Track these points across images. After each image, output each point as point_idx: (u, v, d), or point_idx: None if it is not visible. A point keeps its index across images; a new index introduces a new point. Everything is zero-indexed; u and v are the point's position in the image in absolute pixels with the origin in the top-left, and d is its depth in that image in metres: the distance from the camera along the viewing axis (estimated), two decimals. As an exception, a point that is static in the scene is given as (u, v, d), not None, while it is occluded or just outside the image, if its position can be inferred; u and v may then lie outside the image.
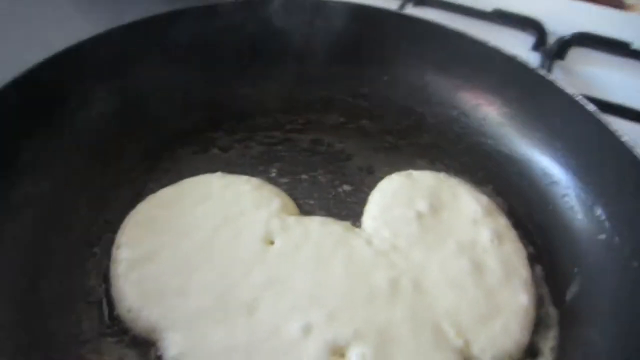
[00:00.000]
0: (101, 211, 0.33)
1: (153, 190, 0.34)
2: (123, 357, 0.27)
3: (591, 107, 0.31)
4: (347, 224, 0.32)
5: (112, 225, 0.33)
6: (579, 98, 0.32)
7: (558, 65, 0.52)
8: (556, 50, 0.53)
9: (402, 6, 0.56)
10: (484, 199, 0.34)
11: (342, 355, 0.26)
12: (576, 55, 0.54)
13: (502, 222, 0.32)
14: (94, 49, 0.36)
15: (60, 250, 0.31)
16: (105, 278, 0.30)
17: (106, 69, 0.37)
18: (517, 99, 0.37)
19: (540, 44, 0.55)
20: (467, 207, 0.33)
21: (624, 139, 0.29)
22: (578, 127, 0.33)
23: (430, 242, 0.31)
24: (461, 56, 0.39)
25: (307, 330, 0.26)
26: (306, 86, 0.41)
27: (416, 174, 0.35)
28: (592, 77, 0.52)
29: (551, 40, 0.55)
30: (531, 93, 0.36)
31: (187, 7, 0.39)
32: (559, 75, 0.50)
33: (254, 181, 0.34)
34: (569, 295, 0.29)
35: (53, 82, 0.34)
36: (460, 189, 0.34)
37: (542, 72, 0.35)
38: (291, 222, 0.31)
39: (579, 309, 0.29)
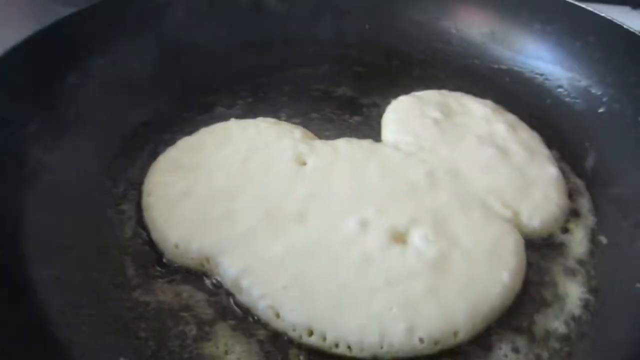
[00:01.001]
0: (120, 172, 0.33)
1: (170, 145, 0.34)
2: (180, 293, 0.27)
3: (566, -1, 0.35)
4: (370, 140, 0.33)
5: (134, 184, 0.32)
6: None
7: None
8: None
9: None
10: (489, 102, 0.36)
11: (404, 240, 0.26)
12: None
13: (511, 117, 0.34)
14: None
15: (87, 210, 0.30)
16: (141, 226, 0.30)
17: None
18: (494, 14, 0.39)
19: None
20: (476, 110, 0.35)
21: (603, 14, 0.32)
22: (556, 21, 0.36)
23: (452, 140, 0.32)
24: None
25: (363, 224, 0.27)
26: (298, 45, 0.43)
27: (420, 94, 0.37)
28: None
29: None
30: (506, 4, 0.38)
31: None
32: None
33: (270, 120, 0.35)
34: (588, 166, 0.32)
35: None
36: (464, 98, 0.36)
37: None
38: (318, 144, 0.32)
39: (601, 175, 0.31)
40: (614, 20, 0.32)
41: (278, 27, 0.43)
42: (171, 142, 0.35)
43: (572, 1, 0.34)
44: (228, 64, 0.41)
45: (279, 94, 0.40)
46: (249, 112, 0.38)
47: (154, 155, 0.34)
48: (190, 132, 0.35)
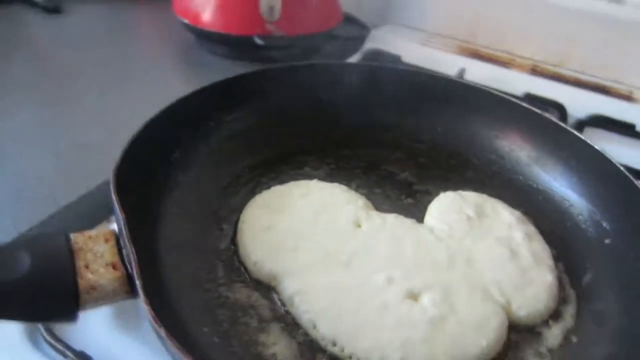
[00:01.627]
0: (226, 200, 0.45)
1: (266, 188, 0.46)
2: (251, 295, 0.38)
3: (598, 147, 0.43)
4: (414, 220, 0.43)
5: (235, 211, 0.44)
6: (589, 141, 0.44)
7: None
8: (575, 128, 0.66)
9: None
10: (517, 212, 0.44)
11: (416, 299, 0.35)
12: (591, 133, 0.67)
13: (532, 228, 0.43)
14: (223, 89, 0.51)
15: (199, 222, 0.42)
16: (234, 243, 0.41)
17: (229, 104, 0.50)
18: (542, 144, 0.48)
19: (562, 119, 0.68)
20: (504, 216, 0.43)
21: (622, 169, 0.41)
22: (589, 164, 0.44)
23: (477, 235, 0.41)
24: (499, 113, 0.52)
25: (389, 281, 0.36)
26: (382, 131, 0.54)
27: (464, 193, 0.46)
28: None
29: (571, 120, 0.68)
30: (555, 140, 0.47)
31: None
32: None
33: (343, 187, 0.46)
34: (584, 282, 0.39)
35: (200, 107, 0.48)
36: (498, 205, 0.45)
37: (561, 123, 0.47)
38: (373, 214, 0.43)
39: (592, 292, 0.38)
40: (632, 179, 0.40)
41: (369, 114, 0.55)
42: (267, 185, 0.47)
43: (603, 153, 0.43)
44: (324, 134, 0.54)
45: (355, 167, 0.51)
46: (330, 176, 0.49)
47: (252, 192, 0.46)
48: (282, 181, 0.48)
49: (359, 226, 0.41)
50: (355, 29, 0.94)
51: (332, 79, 0.55)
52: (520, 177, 0.49)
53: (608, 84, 0.78)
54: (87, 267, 0.30)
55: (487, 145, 0.52)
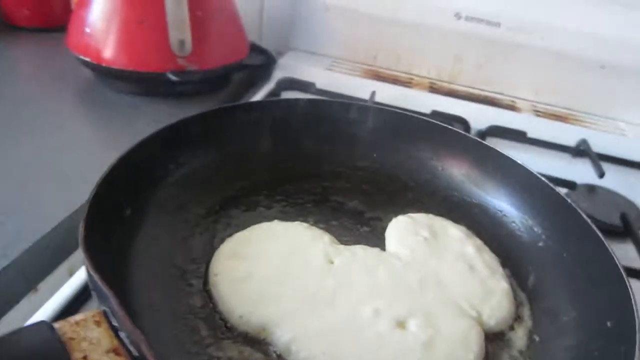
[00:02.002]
0: (187, 252, 0.44)
1: (225, 236, 0.45)
2: (242, 351, 0.37)
3: (519, 161, 0.50)
4: (378, 249, 0.46)
5: (198, 263, 0.43)
6: (511, 156, 0.50)
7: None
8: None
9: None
10: (462, 227, 0.49)
11: (404, 326, 0.38)
12: (491, 142, 0.75)
13: (478, 241, 0.48)
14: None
15: (165, 280, 0.41)
16: (210, 298, 0.40)
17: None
18: (469, 162, 0.54)
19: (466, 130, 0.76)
20: (453, 233, 0.48)
21: (541, 177, 0.47)
22: (514, 176, 0.50)
23: (437, 255, 0.45)
24: (429, 136, 0.57)
25: (376, 312, 0.38)
26: (321, 163, 0.56)
27: (413, 215, 0.50)
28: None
29: (473, 132, 0.76)
30: (481, 158, 0.53)
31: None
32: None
33: (304, 224, 0.47)
34: (529, 284, 0.45)
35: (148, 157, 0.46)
36: (445, 222, 0.50)
37: (483, 141, 0.53)
38: (341, 248, 0.44)
39: (538, 291, 0.44)
40: (551, 185, 0.46)
41: (306, 147, 0.57)
42: (225, 232, 0.47)
43: (523, 165, 0.49)
44: (267, 171, 0.54)
45: (306, 201, 0.52)
46: (285, 214, 0.50)
47: (211, 241, 0.45)
48: (239, 226, 0.47)
49: (332, 262, 0.43)
50: (261, 57, 0.95)
51: (266, 116, 0.56)
52: (456, 194, 0.54)
53: (494, 96, 0.89)
54: (85, 359, 0.28)
55: (421, 166, 0.57)
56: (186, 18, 0.72)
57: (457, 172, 0.55)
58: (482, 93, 0.89)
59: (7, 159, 0.58)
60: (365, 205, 0.53)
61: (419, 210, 0.53)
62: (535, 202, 0.48)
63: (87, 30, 0.72)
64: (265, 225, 0.46)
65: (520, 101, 0.88)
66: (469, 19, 0.83)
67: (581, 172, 0.69)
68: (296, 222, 0.47)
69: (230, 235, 0.46)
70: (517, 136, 0.76)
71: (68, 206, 0.51)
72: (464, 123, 0.77)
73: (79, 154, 0.61)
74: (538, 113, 0.84)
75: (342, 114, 0.57)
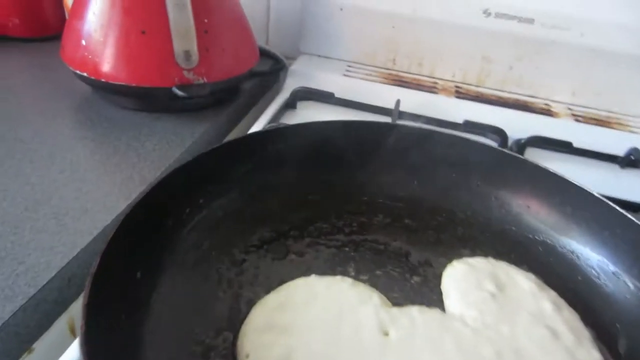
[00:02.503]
0: (208, 321, 0.35)
1: (253, 295, 0.37)
2: None
3: (595, 193, 0.41)
4: (438, 310, 0.37)
5: (223, 336, 0.35)
6: (585, 187, 0.42)
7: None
8: (516, 150, 0.66)
9: (393, 122, 0.67)
10: (532, 276, 0.41)
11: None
12: (532, 154, 0.67)
13: (553, 293, 0.39)
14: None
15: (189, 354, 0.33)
16: (239, 383, 0.32)
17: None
18: (534, 192, 0.46)
19: (503, 146, 0.67)
20: (522, 284, 0.40)
21: (630, 216, 0.39)
22: (589, 210, 0.42)
23: (509, 315, 0.37)
24: (478, 160, 0.48)
25: (450, 403, 0.30)
26: (351, 194, 0.48)
27: (471, 261, 0.42)
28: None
29: (511, 142, 0.67)
30: (544, 186, 0.45)
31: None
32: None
33: (347, 280, 0.38)
34: (621, 349, 0.36)
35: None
36: (509, 269, 0.41)
37: (550, 169, 0.44)
38: (395, 313, 0.36)
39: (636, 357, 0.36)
40: (636, 221, 0.38)
41: (337, 175, 0.48)
42: (252, 292, 0.38)
43: (599, 197, 0.40)
44: (297, 209, 0.46)
45: (341, 243, 0.44)
46: (320, 261, 0.42)
47: (236, 305, 0.37)
48: (267, 282, 0.39)
49: (387, 333, 0.34)
50: (270, 63, 0.86)
51: (293, 143, 0.47)
52: (514, 228, 0.46)
53: (526, 99, 0.80)
54: None
55: (471, 195, 0.48)
56: (191, 26, 0.63)
57: (514, 202, 0.47)
58: (513, 96, 0.80)
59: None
60: (410, 245, 0.45)
61: (472, 250, 0.44)
62: (618, 243, 0.40)
63: (83, 42, 0.62)
64: (301, 283, 0.38)
65: (555, 104, 0.79)
66: (499, 15, 0.74)
67: (635, 186, 0.61)
68: (338, 278, 0.39)
69: (258, 293, 0.37)
70: (562, 147, 0.67)
71: (67, 249, 0.43)
72: (501, 134, 0.68)
73: (77, 184, 0.52)
74: (577, 118, 0.75)
75: (377, 136, 0.48)
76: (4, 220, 0.46)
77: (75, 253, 0.44)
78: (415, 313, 0.36)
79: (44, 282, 0.41)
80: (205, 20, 0.64)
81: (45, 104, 0.68)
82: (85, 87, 0.69)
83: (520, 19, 0.74)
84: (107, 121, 0.65)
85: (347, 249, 0.44)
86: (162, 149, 0.61)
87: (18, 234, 0.45)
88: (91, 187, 0.52)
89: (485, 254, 0.44)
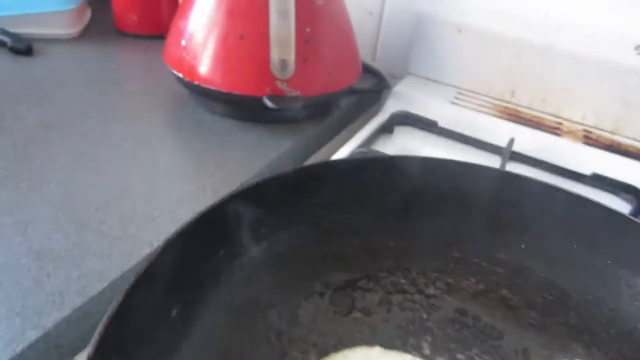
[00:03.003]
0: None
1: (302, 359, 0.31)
2: None
3: None
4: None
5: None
6: None
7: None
8: (656, 216, 0.53)
9: (503, 164, 0.57)
10: None
11: None
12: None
13: None
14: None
15: None
16: None
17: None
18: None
19: (639, 210, 0.55)
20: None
21: None
22: None
23: None
24: (608, 230, 0.38)
25: None
26: (441, 246, 0.40)
27: (586, 365, 0.32)
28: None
29: (650, 207, 0.55)
30: None
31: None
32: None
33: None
34: None
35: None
36: None
37: None
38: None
39: None
40: None
41: (430, 221, 0.41)
42: (300, 346, 0.32)
43: None
44: (371, 255, 0.39)
45: (419, 305, 0.36)
46: (389, 326, 0.35)
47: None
48: (325, 340, 0.33)
49: None
50: (373, 80, 0.81)
51: (374, 177, 0.41)
52: (648, 329, 0.35)
53: (673, 156, 0.66)
54: None
55: (593, 275, 0.38)
56: (292, 35, 0.59)
57: (654, 294, 0.36)
58: (657, 151, 0.66)
59: (77, 183, 0.49)
60: (505, 324, 0.36)
61: (587, 348, 0.35)
62: None
63: (183, 42, 0.61)
64: (361, 356, 0.31)
65: None
66: (655, 54, 0.61)
67: None
68: (407, 356, 0.31)
69: (309, 355, 0.31)
70: None
71: (124, 259, 0.40)
72: (637, 195, 0.55)
73: (150, 188, 0.50)
74: None
75: (484, 183, 0.40)
76: (72, 218, 0.45)
77: (130, 265, 0.41)
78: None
79: (94, 293, 0.38)
80: (308, 30, 0.60)
81: (142, 100, 0.68)
82: (183, 88, 0.68)
83: (681, 60, 0.60)
84: (196, 124, 0.64)
85: (425, 315, 0.36)
86: (242, 160, 0.58)
87: (82, 234, 0.43)
88: (163, 193, 0.50)
89: (604, 355, 0.34)
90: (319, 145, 0.70)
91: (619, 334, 0.35)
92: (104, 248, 0.42)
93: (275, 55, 0.59)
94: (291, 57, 0.59)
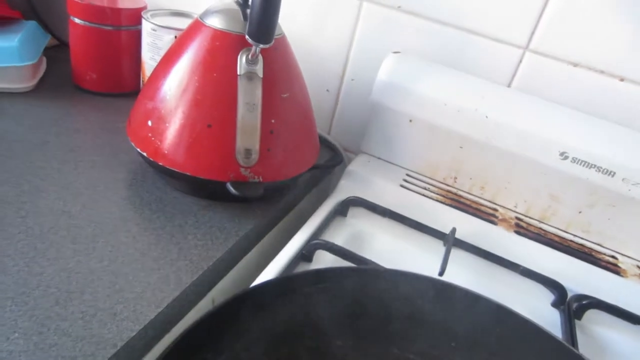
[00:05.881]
0: None
1: None
2: None
3: None
4: None
5: None
6: None
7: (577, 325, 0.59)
8: (575, 309, 0.61)
9: (447, 253, 0.63)
10: None
11: None
12: (592, 316, 0.62)
13: None
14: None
15: None
16: None
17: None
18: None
19: (560, 303, 0.63)
20: None
21: None
22: None
23: None
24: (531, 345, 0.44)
25: None
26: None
27: None
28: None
29: (570, 298, 0.62)
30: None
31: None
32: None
33: None
34: None
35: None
36: None
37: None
38: None
39: None
40: None
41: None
42: None
43: None
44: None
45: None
46: None
47: None
48: None
49: None
50: (329, 153, 0.86)
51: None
52: None
53: (592, 246, 0.75)
54: None
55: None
56: (258, 125, 0.63)
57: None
58: (577, 239, 0.75)
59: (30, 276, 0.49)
60: None
61: None
62: None
63: (150, 123, 0.63)
64: None
65: (623, 259, 0.74)
66: (576, 161, 0.70)
67: None
68: None
69: None
70: (627, 318, 0.61)
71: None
72: (559, 290, 0.63)
73: (112, 278, 0.51)
74: (647, 281, 0.70)
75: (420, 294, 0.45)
76: (33, 315, 0.45)
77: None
78: None
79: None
80: (273, 121, 0.64)
81: (100, 172, 0.69)
82: (143, 161, 0.69)
83: (600, 169, 0.70)
84: (157, 203, 0.65)
85: None
86: (204, 246, 0.60)
87: (43, 333, 0.44)
88: (125, 285, 0.51)
89: None
90: (277, 221, 0.73)
91: None
92: (65, 350, 0.43)
93: (240, 144, 0.62)
94: (256, 146, 0.63)
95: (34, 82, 0.86)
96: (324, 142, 0.89)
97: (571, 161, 0.71)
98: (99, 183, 0.66)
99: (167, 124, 0.62)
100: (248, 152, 0.63)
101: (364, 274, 0.45)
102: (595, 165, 0.69)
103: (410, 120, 0.79)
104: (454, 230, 0.69)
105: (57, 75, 0.92)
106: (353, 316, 0.45)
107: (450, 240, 0.68)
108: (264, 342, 0.40)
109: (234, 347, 0.38)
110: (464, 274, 0.65)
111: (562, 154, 0.71)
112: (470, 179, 0.80)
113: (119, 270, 0.53)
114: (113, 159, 0.72)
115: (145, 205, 0.64)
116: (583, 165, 0.70)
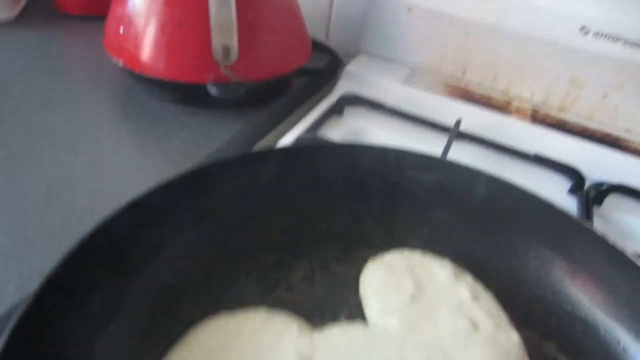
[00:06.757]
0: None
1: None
2: None
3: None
4: (361, 324, 0.38)
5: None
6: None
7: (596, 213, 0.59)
8: (594, 196, 0.60)
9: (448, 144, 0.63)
10: (447, 263, 0.43)
11: None
12: (613, 201, 0.61)
13: (469, 278, 0.42)
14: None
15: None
16: None
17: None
18: (579, 259, 0.41)
19: (577, 189, 0.62)
20: (440, 275, 0.42)
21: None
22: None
23: (431, 314, 0.38)
24: (522, 212, 0.45)
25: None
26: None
27: (387, 259, 0.43)
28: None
29: (588, 186, 0.62)
30: (596, 257, 0.40)
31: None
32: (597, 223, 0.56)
33: (261, 313, 0.38)
34: None
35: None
36: (425, 260, 0.43)
37: (610, 240, 0.40)
38: (317, 339, 0.36)
39: None
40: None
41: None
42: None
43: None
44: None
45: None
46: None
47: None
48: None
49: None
50: (325, 59, 0.86)
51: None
52: (549, 296, 0.42)
53: (619, 134, 0.73)
54: None
55: (506, 247, 0.45)
56: (233, 21, 0.63)
57: (556, 264, 0.43)
58: (602, 128, 0.73)
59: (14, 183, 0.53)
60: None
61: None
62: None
63: (122, 30, 0.66)
64: (211, 327, 0.37)
65: (656, 142, 0.71)
66: (598, 35, 0.67)
67: None
68: (251, 313, 0.38)
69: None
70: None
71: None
72: (575, 176, 0.63)
73: (92, 183, 0.54)
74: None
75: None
76: (14, 216, 0.49)
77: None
78: (337, 334, 0.36)
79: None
80: (250, 15, 0.65)
81: (84, 89, 0.72)
82: (125, 77, 0.72)
83: (627, 42, 0.66)
84: (142, 113, 0.68)
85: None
86: (188, 149, 0.62)
87: (22, 231, 0.47)
88: (106, 187, 0.54)
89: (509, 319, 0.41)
90: (270, 128, 0.75)
91: (525, 300, 0.42)
92: (44, 244, 0.46)
93: (217, 42, 0.63)
94: (234, 43, 0.64)
95: (16, 11, 0.89)
96: (321, 48, 0.88)
97: (593, 35, 0.68)
98: (83, 96, 0.70)
99: (137, 28, 0.64)
100: (226, 50, 0.64)
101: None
102: (621, 38, 0.66)
103: (409, 10, 0.77)
104: (458, 122, 0.69)
105: (40, 5, 0.95)
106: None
107: (455, 130, 0.67)
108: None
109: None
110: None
111: (582, 28, 0.68)
112: (481, 69, 0.79)
113: (100, 175, 0.56)
114: (97, 75, 0.75)
115: (130, 116, 0.67)
116: (607, 39, 0.67)
